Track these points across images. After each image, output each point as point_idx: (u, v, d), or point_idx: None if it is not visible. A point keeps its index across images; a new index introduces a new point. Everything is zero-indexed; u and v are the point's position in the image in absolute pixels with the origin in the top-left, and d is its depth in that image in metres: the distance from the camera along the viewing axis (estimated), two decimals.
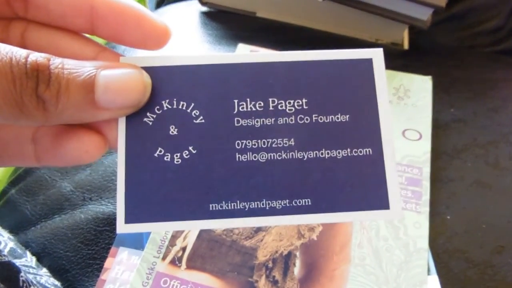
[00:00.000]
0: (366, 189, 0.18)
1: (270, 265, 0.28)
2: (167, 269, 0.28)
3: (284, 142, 0.18)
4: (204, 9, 0.49)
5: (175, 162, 0.18)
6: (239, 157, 0.18)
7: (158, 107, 0.18)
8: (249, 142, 0.18)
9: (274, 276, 0.28)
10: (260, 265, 0.28)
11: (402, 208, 0.31)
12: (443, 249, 0.30)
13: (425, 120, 0.35)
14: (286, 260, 0.28)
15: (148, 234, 0.29)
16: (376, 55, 0.18)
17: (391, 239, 0.29)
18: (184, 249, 0.29)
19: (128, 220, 0.18)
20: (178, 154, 0.18)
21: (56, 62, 0.16)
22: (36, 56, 0.15)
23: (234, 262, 0.28)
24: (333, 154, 0.18)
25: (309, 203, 0.18)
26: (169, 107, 0.18)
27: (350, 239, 0.29)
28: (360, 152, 0.18)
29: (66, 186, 0.34)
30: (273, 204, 0.18)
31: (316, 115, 0.18)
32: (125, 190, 0.18)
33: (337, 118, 0.18)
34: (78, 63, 0.16)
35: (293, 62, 0.18)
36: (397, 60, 0.44)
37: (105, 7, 0.18)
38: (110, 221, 0.31)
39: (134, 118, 0.18)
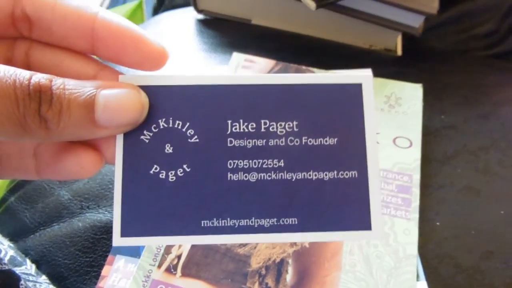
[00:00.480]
0: (350, 210, 0.19)
1: (263, 272, 0.29)
2: (163, 277, 0.29)
3: (274, 163, 0.19)
4: (200, 16, 0.50)
5: (170, 179, 0.19)
6: (230, 176, 0.19)
7: (154, 125, 0.19)
8: (240, 162, 0.19)
9: (267, 283, 0.29)
10: (254, 272, 0.29)
11: (393, 215, 0.31)
12: (432, 254, 0.31)
13: (415, 127, 0.36)
14: (279, 267, 0.29)
15: None
16: (366, 81, 0.19)
17: (381, 245, 0.30)
18: (179, 257, 0.29)
19: (124, 234, 0.18)
20: (173, 172, 0.19)
21: (57, 82, 0.17)
22: (38, 78, 0.16)
23: (228, 270, 0.29)
24: (321, 176, 0.19)
25: (296, 222, 0.18)
26: (165, 126, 0.19)
27: (341, 246, 0.30)
28: (346, 174, 0.19)
29: (64, 194, 0.34)
30: (262, 222, 0.18)
31: (306, 137, 0.19)
32: (121, 205, 0.18)
33: (326, 141, 0.19)
34: (78, 83, 0.17)
35: (285, 85, 0.19)
36: (390, 67, 0.45)
37: (104, 30, 0.18)
38: (107, 229, 0.32)
39: (131, 135, 0.19)
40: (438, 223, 0.32)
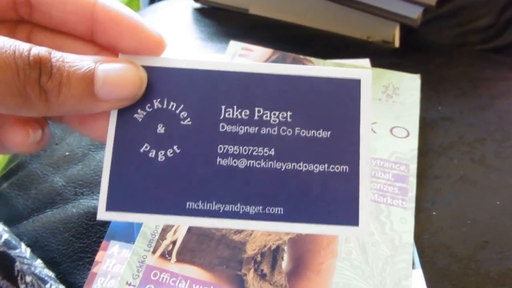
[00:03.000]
0: (338, 204, 0.18)
1: (259, 259, 0.29)
2: (157, 262, 0.28)
3: (265, 151, 0.19)
4: (197, 5, 0.50)
5: (159, 159, 0.19)
6: (219, 160, 0.19)
7: (149, 105, 0.19)
8: (231, 148, 0.19)
9: (262, 270, 0.28)
10: (249, 259, 0.29)
11: (389, 204, 0.31)
12: (428, 244, 0.31)
13: (413, 118, 0.36)
14: (274, 254, 0.29)
15: (139, 228, 0.30)
16: (365, 76, 0.19)
17: (377, 234, 0.30)
18: (174, 242, 0.29)
19: (109, 208, 0.18)
20: (163, 152, 0.19)
21: (57, 55, 0.17)
22: (38, 49, 0.16)
23: (223, 256, 0.29)
24: (310, 168, 0.18)
25: (281, 212, 0.18)
26: (160, 106, 0.19)
27: None
28: (337, 168, 0.18)
29: (58, 181, 0.34)
30: (247, 209, 0.18)
31: (299, 128, 0.19)
32: (109, 180, 0.19)
33: (319, 133, 0.19)
34: (77, 57, 0.17)
35: (283, 75, 0.19)
36: (387, 58, 0.45)
37: (103, 16, 0.19)
38: None
39: (125, 113, 0.19)
40: (434, 213, 0.32)
